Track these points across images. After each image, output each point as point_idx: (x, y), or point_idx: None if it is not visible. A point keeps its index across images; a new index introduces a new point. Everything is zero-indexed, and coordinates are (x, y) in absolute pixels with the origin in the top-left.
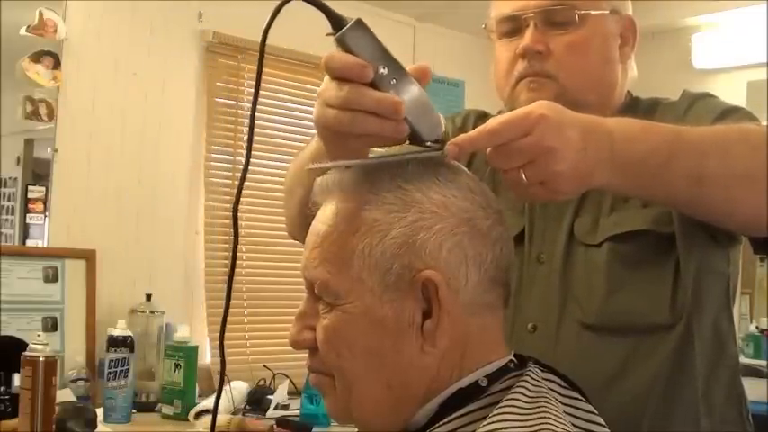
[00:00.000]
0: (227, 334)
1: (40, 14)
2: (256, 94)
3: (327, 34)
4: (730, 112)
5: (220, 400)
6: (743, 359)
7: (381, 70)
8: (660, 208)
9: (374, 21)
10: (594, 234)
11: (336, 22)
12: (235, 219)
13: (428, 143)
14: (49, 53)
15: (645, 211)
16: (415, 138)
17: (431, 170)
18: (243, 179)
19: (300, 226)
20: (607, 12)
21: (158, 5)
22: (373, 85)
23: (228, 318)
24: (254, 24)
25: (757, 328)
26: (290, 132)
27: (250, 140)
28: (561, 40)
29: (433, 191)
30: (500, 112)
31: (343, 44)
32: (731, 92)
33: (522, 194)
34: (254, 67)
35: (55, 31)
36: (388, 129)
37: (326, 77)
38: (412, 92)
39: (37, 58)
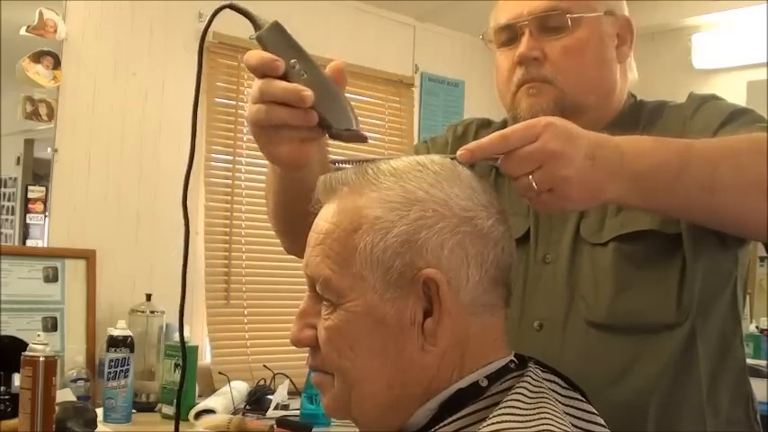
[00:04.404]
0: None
1: (40, 14)
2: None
3: (250, 37)
4: (738, 114)
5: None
6: None
7: (293, 65)
8: None
9: (374, 21)
10: (601, 234)
11: (257, 24)
12: (185, 206)
13: (335, 129)
14: (49, 53)
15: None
16: (326, 127)
17: (433, 168)
18: (189, 171)
19: (284, 234)
20: (601, 13)
21: (158, 5)
22: (286, 78)
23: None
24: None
25: (757, 328)
26: None
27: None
28: (556, 44)
29: (436, 189)
30: (504, 119)
31: (260, 42)
32: (731, 92)
33: (534, 202)
34: None
35: (55, 31)
36: (298, 117)
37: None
38: (321, 84)
39: (37, 58)
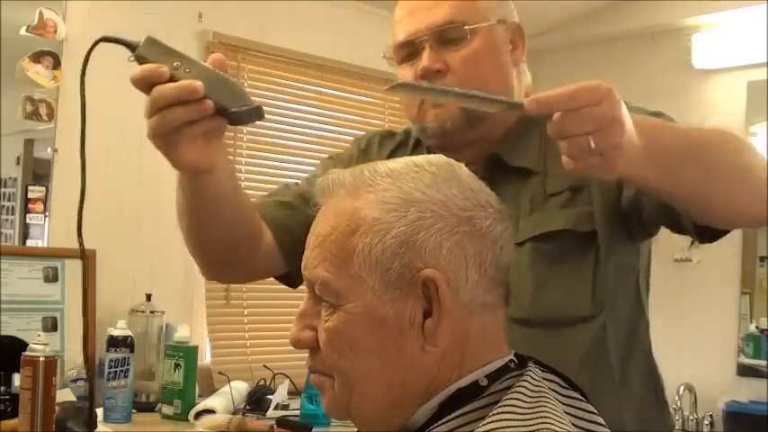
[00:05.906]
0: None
1: (40, 14)
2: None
3: (129, 59)
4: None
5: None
6: (743, 359)
7: (176, 66)
8: (579, 208)
9: (374, 21)
10: (517, 234)
11: (132, 46)
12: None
13: (234, 110)
14: (49, 53)
15: (564, 212)
16: (223, 110)
17: (430, 169)
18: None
19: (200, 255)
20: (494, 22)
21: (158, 5)
22: (173, 81)
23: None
24: (254, 24)
25: (757, 328)
26: (290, 132)
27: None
28: (456, 55)
29: (433, 190)
30: (406, 129)
31: (141, 59)
32: (731, 92)
33: (581, 165)
34: (255, 67)
35: (55, 31)
36: (194, 111)
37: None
38: (207, 74)
39: (37, 58)
